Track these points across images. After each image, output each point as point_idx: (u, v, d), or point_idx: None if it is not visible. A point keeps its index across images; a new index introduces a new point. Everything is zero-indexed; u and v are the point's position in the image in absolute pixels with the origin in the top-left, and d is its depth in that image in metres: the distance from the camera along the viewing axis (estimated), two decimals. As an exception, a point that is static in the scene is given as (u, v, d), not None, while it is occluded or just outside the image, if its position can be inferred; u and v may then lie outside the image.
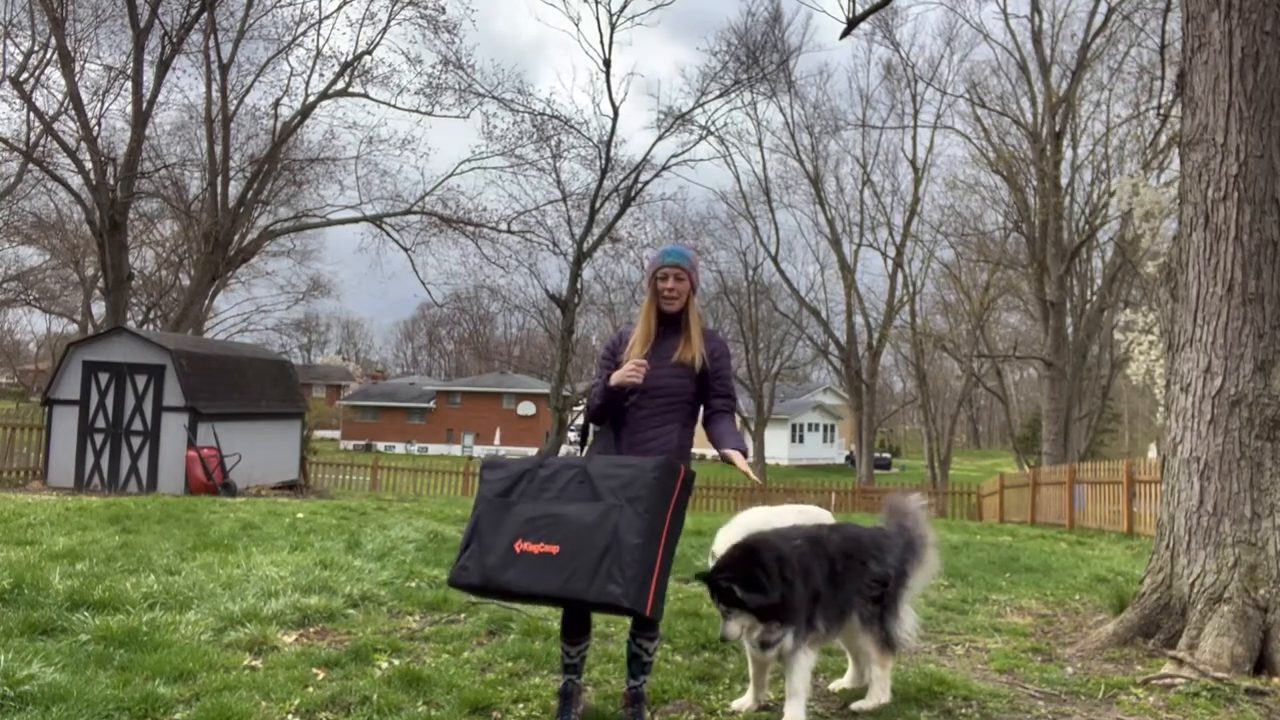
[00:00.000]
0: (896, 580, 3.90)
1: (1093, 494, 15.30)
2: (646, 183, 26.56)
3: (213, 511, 8.60)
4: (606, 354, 3.75)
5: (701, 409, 3.79)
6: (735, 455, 3.58)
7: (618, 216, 26.49)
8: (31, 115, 22.64)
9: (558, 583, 3.09)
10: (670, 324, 3.68)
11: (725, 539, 4.34)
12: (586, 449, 3.76)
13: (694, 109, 26.68)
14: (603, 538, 3.09)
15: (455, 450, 54.30)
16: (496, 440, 56.01)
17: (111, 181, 21.67)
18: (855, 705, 3.86)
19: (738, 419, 3.98)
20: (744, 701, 3.81)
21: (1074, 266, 29.68)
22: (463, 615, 5.03)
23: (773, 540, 3.67)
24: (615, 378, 3.52)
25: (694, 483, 3.41)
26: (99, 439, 13.57)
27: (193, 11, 22.44)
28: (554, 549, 3.13)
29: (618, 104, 27.03)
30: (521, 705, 3.70)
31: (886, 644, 3.87)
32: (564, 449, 27.79)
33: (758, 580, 3.44)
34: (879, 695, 3.87)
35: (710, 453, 3.84)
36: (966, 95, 31.65)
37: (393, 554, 6.60)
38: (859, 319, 37.33)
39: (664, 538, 3.15)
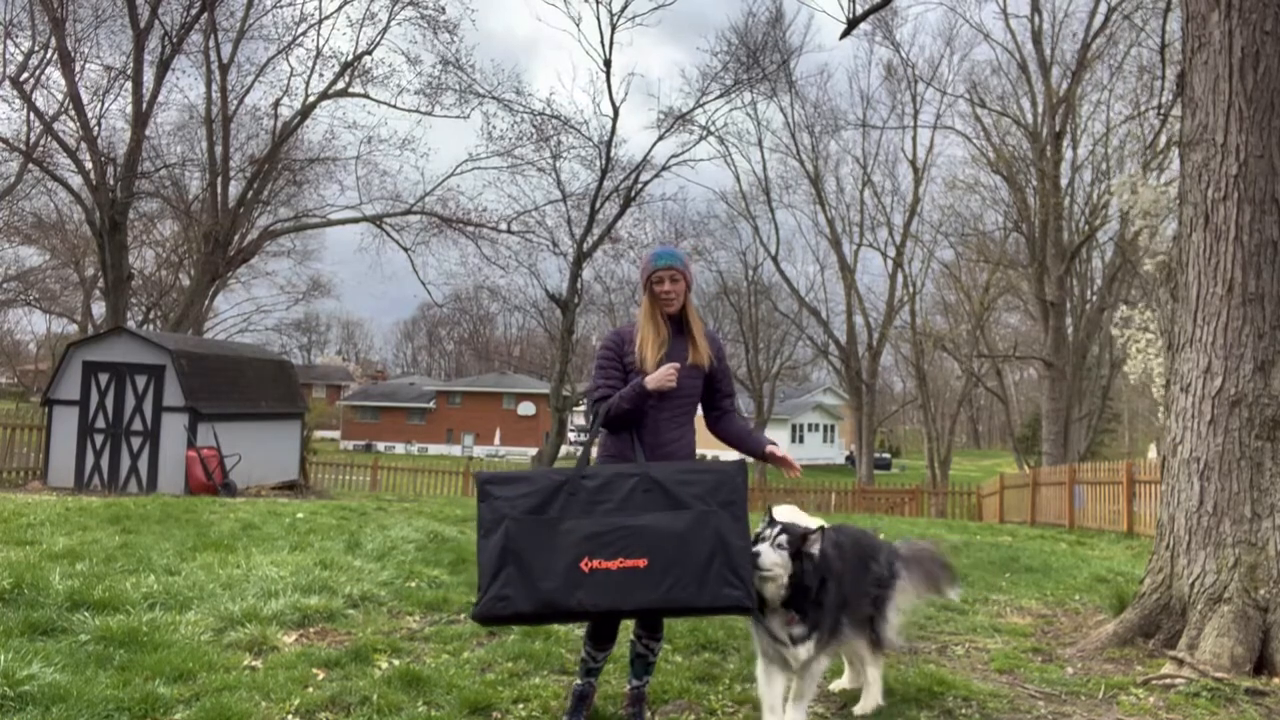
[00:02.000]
0: (888, 582, 3.91)
1: (1093, 494, 15.29)
2: (646, 183, 26.59)
3: (213, 511, 8.60)
4: (611, 355, 3.63)
5: (701, 409, 3.79)
6: (780, 450, 3.64)
7: (618, 216, 26.49)
8: (31, 115, 22.65)
9: (655, 595, 3.05)
10: (672, 325, 3.67)
11: None
12: (596, 452, 3.72)
13: (694, 109, 26.70)
14: (704, 544, 3.08)
15: (455, 450, 54.28)
16: (496, 440, 55.99)
17: (111, 181, 21.66)
18: (856, 709, 3.86)
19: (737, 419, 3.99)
20: None
21: (1074, 266, 29.69)
22: (463, 615, 5.03)
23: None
24: (652, 382, 3.46)
25: None
26: (99, 439, 13.57)
27: (193, 11, 22.44)
28: (640, 562, 3.06)
29: (618, 104, 27.03)
30: (521, 705, 3.70)
31: (876, 645, 3.88)
32: (563, 449, 27.78)
33: (809, 552, 3.34)
34: (875, 697, 3.88)
35: (710, 453, 3.85)
36: (966, 95, 31.68)
37: (393, 554, 6.60)
38: (859, 319, 37.35)
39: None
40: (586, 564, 3.06)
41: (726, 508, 3.16)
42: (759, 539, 3.34)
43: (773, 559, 3.29)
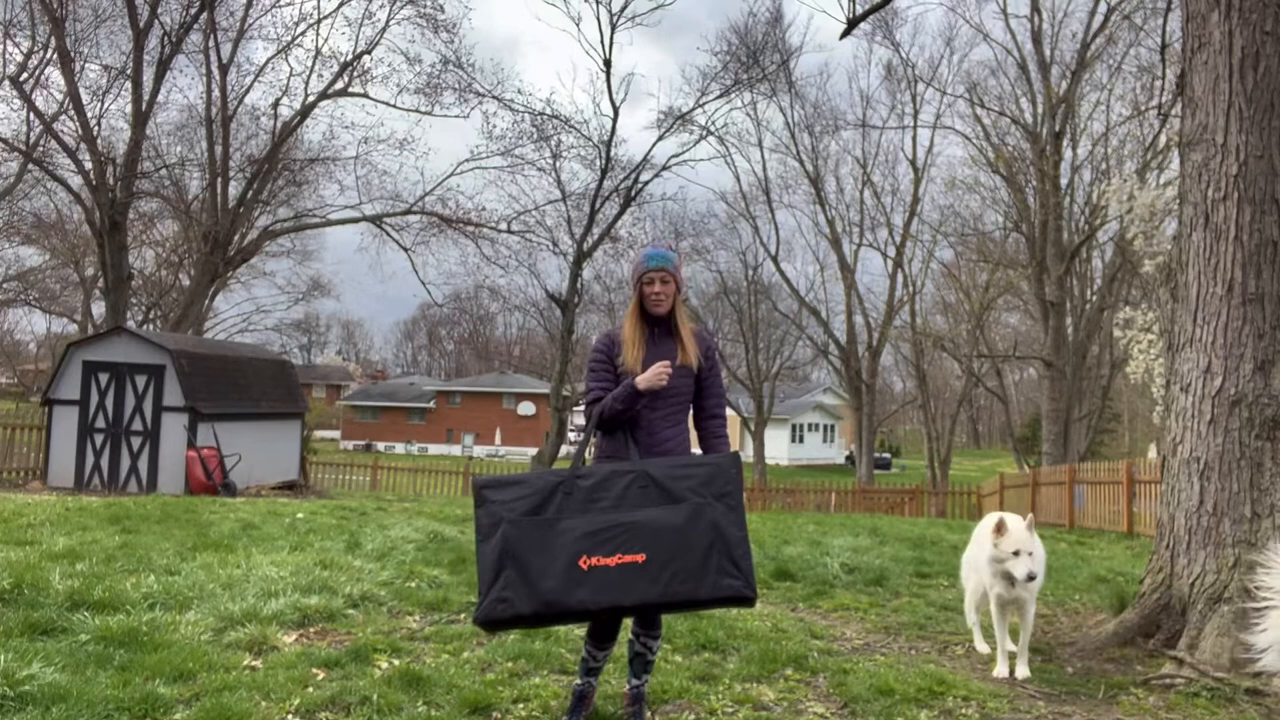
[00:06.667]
0: None
1: (1093, 494, 15.28)
2: (646, 183, 26.58)
3: (213, 511, 8.60)
4: (602, 357, 3.66)
5: (691, 410, 3.78)
6: None
7: (618, 216, 26.48)
8: (31, 115, 22.63)
9: (655, 590, 3.06)
10: (660, 326, 3.68)
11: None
12: (594, 451, 3.71)
13: (694, 109, 26.73)
14: (702, 536, 3.11)
15: (455, 450, 54.27)
16: (496, 440, 55.99)
17: (111, 181, 21.65)
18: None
19: (738, 420, 3.97)
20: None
21: (1074, 266, 29.66)
22: (463, 615, 5.03)
23: None
24: (643, 382, 3.47)
25: None
26: (99, 439, 13.57)
27: (192, 11, 22.42)
28: (639, 557, 3.08)
29: (618, 104, 27.00)
30: (521, 705, 3.70)
31: None
32: (563, 449, 27.76)
33: None
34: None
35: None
36: (966, 95, 31.64)
37: (393, 554, 6.60)
38: (859, 319, 37.32)
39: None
40: (585, 562, 3.07)
41: (721, 499, 3.19)
42: None
43: None
